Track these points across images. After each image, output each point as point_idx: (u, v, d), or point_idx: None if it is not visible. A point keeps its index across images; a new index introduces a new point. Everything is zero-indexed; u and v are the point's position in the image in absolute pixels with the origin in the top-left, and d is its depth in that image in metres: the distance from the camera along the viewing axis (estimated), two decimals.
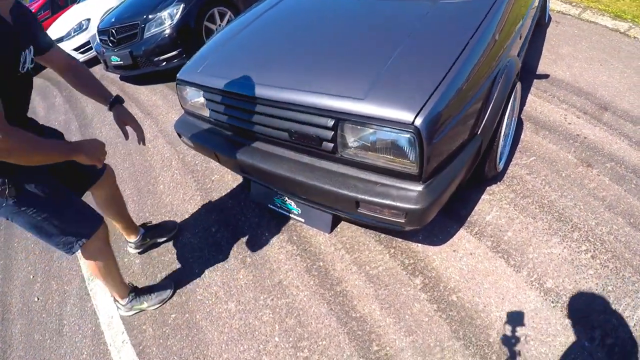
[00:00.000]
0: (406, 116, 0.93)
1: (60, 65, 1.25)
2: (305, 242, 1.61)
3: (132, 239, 1.65)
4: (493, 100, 1.27)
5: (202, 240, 1.72)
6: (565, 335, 1.18)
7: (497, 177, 1.77)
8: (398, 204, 1.04)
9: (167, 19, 2.85)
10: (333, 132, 1.08)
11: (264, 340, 1.27)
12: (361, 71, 1.12)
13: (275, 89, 1.19)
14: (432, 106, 0.94)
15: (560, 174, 1.78)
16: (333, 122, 1.06)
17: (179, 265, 1.61)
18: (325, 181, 1.16)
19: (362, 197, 1.09)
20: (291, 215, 1.63)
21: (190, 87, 1.50)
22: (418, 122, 0.91)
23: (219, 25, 3.20)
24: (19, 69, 1.01)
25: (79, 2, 5.06)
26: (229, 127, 1.42)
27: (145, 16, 2.97)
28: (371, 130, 1.03)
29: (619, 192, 1.64)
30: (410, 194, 1.05)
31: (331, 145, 1.12)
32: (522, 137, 1.98)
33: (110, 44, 3.18)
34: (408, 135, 0.96)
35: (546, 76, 2.47)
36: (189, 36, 2.97)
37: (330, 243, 1.58)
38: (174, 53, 2.96)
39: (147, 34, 2.94)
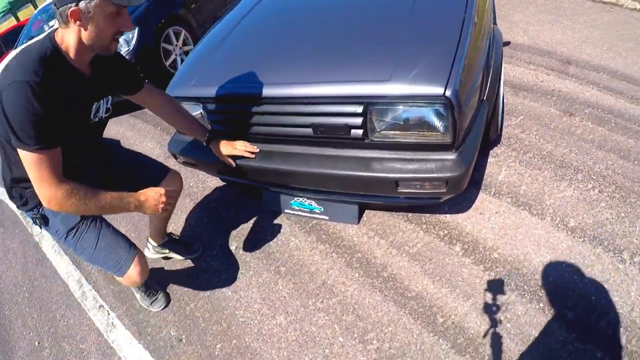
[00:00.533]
0: (437, 89, 1.04)
1: (153, 104, 1.35)
2: (336, 238, 1.68)
3: (154, 242, 1.67)
4: (492, 67, 1.45)
5: (225, 261, 1.72)
6: (601, 263, 1.36)
7: (497, 140, 1.97)
8: (439, 175, 1.15)
9: (123, 46, 2.77)
10: (362, 118, 1.17)
11: (328, 344, 1.31)
12: (376, 54, 1.23)
13: (293, 85, 1.25)
14: (455, 77, 1.07)
15: (549, 126, 2.02)
16: (362, 108, 1.15)
17: (207, 293, 1.59)
18: (360, 168, 1.24)
19: (402, 175, 1.18)
20: (313, 215, 1.69)
21: (184, 102, 1.51)
22: (448, 93, 1.04)
23: (176, 45, 3.22)
24: (90, 117, 1.10)
25: (16, 46, 4.65)
26: (240, 134, 1.45)
27: None
28: (401, 109, 1.14)
29: (604, 132, 1.91)
30: (447, 164, 1.17)
31: (361, 131, 1.20)
32: (504, 100, 2.22)
33: None
34: (440, 107, 1.08)
35: (508, 43, 2.79)
36: (148, 61, 2.96)
37: (361, 233, 1.67)
38: None
39: None
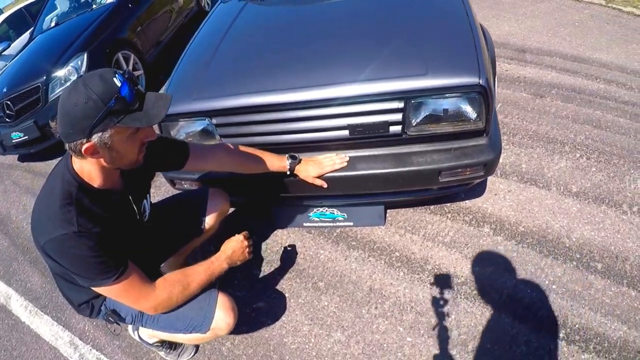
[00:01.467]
0: (473, 79, 1.27)
1: (211, 163, 1.39)
2: (367, 242, 1.82)
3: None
4: (489, 53, 1.76)
5: (251, 288, 1.74)
6: (609, 218, 1.71)
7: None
8: (478, 160, 1.37)
9: (72, 74, 2.74)
10: (402, 114, 1.35)
11: (398, 347, 1.42)
12: (401, 49, 1.42)
13: (327, 87, 1.34)
14: (482, 67, 1.31)
15: (526, 109, 2.44)
16: (403, 103, 1.33)
17: (242, 327, 1.59)
18: (402, 164, 1.40)
19: (445, 165, 1.38)
20: (337, 224, 1.82)
21: (185, 119, 1.53)
22: (482, 81, 1.27)
23: (125, 69, 3.17)
24: (140, 219, 1.17)
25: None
26: (259, 145, 1.51)
27: (45, 76, 2.92)
28: (437, 101, 1.34)
29: (574, 108, 2.37)
30: (483, 148, 1.39)
31: (399, 127, 1.38)
32: None
33: (7, 119, 3.01)
34: (476, 95, 1.30)
35: None
36: None
37: (391, 233, 1.83)
38: None
39: (52, 96, 2.87)
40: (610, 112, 2.31)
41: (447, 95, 1.32)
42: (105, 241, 0.95)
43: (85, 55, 2.90)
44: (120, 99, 0.87)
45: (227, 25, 1.87)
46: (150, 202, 1.30)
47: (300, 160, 1.45)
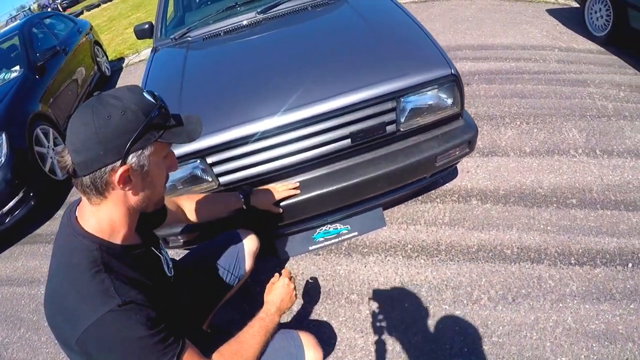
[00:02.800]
0: (446, 70, 1.75)
1: (186, 213, 1.46)
2: (378, 244, 2.15)
3: None
4: None
5: (288, 325, 1.90)
6: (564, 163, 2.37)
7: None
8: (463, 139, 1.84)
9: None
10: (394, 112, 1.76)
11: (452, 321, 1.75)
12: (378, 58, 1.84)
13: (324, 101, 1.65)
14: (449, 58, 1.82)
15: (487, 98, 3.12)
16: (394, 102, 1.74)
17: None
18: (403, 159, 1.79)
19: (439, 150, 1.81)
20: (342, 237, 2.13)
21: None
22: (454, 71, 1.77)
23: (48, 146, 3.61)
24: (166, 275, 1.16)
25: None
26: (262, 175, 1.77)
27: None
28: (421, 95, 1.80)
29: (498, 87, 3.18)
30: (463, 128, 1.88)
31: (394, 125, 1.78)
32: None
33: None
34: (450, 84, 1.79)
35: None
36: (26, 170, 3.18)
37: (395, 230, 2.20)
38: (17, 199, 3.08)
39: None
40: (528, 83, 3.14)
41: (428, 88, 1.78)
42: (152, 311, 0.87)
43: (4, 135, 3.07)
44: (162, 110, 0.87)
45: (179, 71, 2.11)
46: (171, 261, 1.27)
47: (252, 191, 1.64)
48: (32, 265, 2.91)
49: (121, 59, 7.32)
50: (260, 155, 1.73)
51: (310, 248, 2.10)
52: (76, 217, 0.92)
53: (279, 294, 1.24)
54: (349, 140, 1.72)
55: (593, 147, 2.49)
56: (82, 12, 18.07)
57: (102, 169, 0.83)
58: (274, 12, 2.42)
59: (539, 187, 2.28)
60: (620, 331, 1.57)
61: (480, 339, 1.63)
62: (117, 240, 0.93)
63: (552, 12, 4.25)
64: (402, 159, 1.79)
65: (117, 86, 5.58)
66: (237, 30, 2.39)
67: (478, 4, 4.49)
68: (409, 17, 2.12)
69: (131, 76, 5.82)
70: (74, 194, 3.46)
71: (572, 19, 4.04)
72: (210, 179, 1.76)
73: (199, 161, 1.73)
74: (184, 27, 2.55)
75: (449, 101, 1.81)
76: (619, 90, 2.96)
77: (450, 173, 2.45)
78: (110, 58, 6.90)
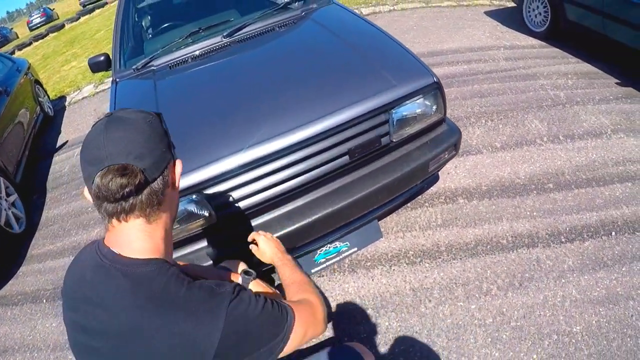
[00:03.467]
0: (430, 79, 2.03)
1: None
2: (380, 256, 2.37)
3: None
4: None
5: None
6: (534, 152, 2.74)
7: None
8: (449, 142, 2.13)
9: None
10: (387, 124, 2.01)
11: (470, 317, 1.98)
12: (362, 73, 2.07)
13: (320, 120, 1.82)
14: (429, 67, 2.12)
15: (449, 101, 3.46)
16: (387, 114, 1.98)
17: None
18: (400, 169, 2.03)
19: (431, 155, 2.08)
20: (343, 255, 2.33)
21: None
22: (436, 79, 2.05)
23: (1, 197, 3.49)
24: None
25: None
26: (263, 203, 1.93)
27: None
28: (409, 105, 2.06)
29: (457, 89, 3.57)
30: (448, 132, 2.18)
31: (387, 137, 2.02)
32: None
33: None
34: (434, 92, 2.08)
35: None
36: None
37: (393, 239, 2.44)
38: None
39: None
40: (483, 82, 3.57)
41: (415, 98, 2.04)
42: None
43: None
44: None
45: (151, 102, 2.19)
46: None
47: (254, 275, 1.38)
48: (1, 332, 2.80)
49: (62, 98, 7.13)
50: (259, 183, 1.84)
51: (313, 270, 2.26)
52: (118, 254, 0.86)
53: (271, 247, 1.36)
54: (347, 157, 1.90)
55: (556, 133, 2.91)
56: (13, 52, 17.30)
57: (168, 167, 0.88)
58: (240, 35, 2.58)
59: (516, 178, 2.63)
60: (620, 292, 1.89)
61: (500, 326, 1.87)
62: (169, 259, 0.92)
63: (489, 13, 4.83)
64: (398, 168, 2.01)
65: (62, 127, 5.61)
66: (207, 56, 2.51)
67: (418, 13, 5.00)
68: (377, 29, 2.43)
69: (76, 115, 5.73)
70: (35, 247, 3.36)
71: (510, 18, 4.64)
72: (207, 214, 1.86)
73: (194, 196, 1.83)
74: (145, 57, 2.64)
75: (434, 108, 2.08)
76: (566, 79, 3.46)
77: (433, 177, 2.75)
78: (51, 97, 6.77)
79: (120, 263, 0.84)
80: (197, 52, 2.55)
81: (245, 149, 1.82)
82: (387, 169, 2.02)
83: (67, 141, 4.78)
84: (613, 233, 2.17)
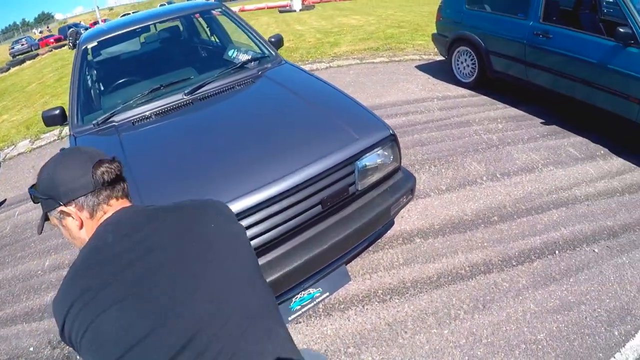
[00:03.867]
0: (387, 131, 2.39)
1: None
2: (351, 298, 2.58)
3: None
4: None
5: None
6: (477, 191, 3.17)
7: None
8: (407, 188, 2.48)
9: None
10: (353, 174, 2.31)
11: (443, 346, 2.23)
12: (325, 128, 2.39)
13: (295, 173, 2.06)
14: (383, 120, 2.49)
15: (404, 150, 3.88)
16: (353, 166, 2.29)
17: None
18: (367, 215, 2.31)
19: (392, 200, 2.40)
20: (316, 301, 2.53)
21: None
22: (392, 131, 2.42)
23: None
24: None
25: None
26: None
27: None
28: (370, 156, 2.38)
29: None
30: (404, 179, 2.53)
31: (354, 186, 2.31)
32: None
33: None
34: (391, 143, 2.43)
35: None
36: None
37: (361, 281, 2.68)
38: None
39: None
40: (422, 132, 4.06)
41: (376, 149, 2.38)
42: None
43: None
44: None
45: (119, 157, 2.36)
46: None
47: None
48: None
49: None
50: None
51: (290, 318, 2.42)
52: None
53: None
54: (319, 207, 2.16)
55: (493, 172, 3.39)
56: None
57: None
58: (201, 92, 2.84)
59: (464, 215, 3.01)
60: (572, 300, 2.24)
61: (473, 344, 2.13)
62: None
63: (420, 67, 5.51)
64: (365, 214, 2.29)
65: None
66: (170, 112, 2.71)
67: (354, 69, 5.59)
68: (330, 85, 2.80)
69: (12, 172, 5.45)
70: None
71: (440, 71, 5.33)
72: None
73: None
74: (104, 112, 2.78)
75: (391, 157, 2.42)
76: (497, 123, 4.05)
77: (390, 222, 3.07)
78: None
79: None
80: (159, 109, 2.72)
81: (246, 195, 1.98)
82: (354, 215, 2.28)
83: (5, 200, 4.62)
84: (556, 251, 2.57)
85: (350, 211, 2.30)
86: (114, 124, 2.68)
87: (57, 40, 33.65)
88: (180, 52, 4.27)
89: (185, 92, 2.84)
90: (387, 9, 15.89)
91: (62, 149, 1.19)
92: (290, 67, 3.24)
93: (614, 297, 2.26)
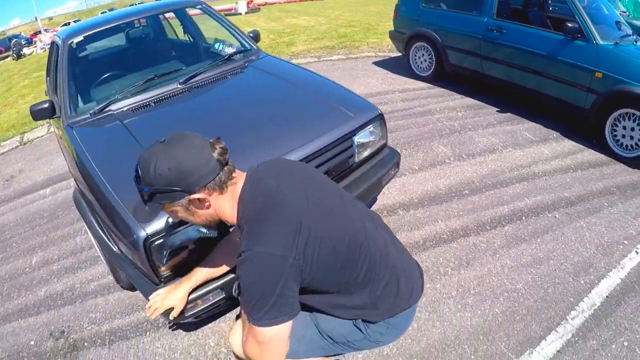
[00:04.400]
0: (376, 111, 2.57)
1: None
2: None
3: None
4: None
5: None
6: (448, 169, 3.47)
7: None
8: (394, 161, 2.69)
9: None
10: (351, 148, 2.49)
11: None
12: (322, 109, 2.55)
13: (302, 147, 2.17)
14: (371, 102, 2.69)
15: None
16: (351, 140, 2.46)
17: None
18: (363, 184, 2.47)
19: (382, 172, 2.60)
20: None
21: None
22: (379, 110, 2.61)
23: None
24: None
25: None
26: None
27: None
28: (363, 133, 2.57)
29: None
30: (391, 154, 2.73)
31: (353, 158, 2.49)
32: None
33: None
34: (381, 121, 2.62)
35: None
36: None
37: None
38: None
39: None
40: (389, 121, 4.32)
41: (368, 127, 2.58)
42: None
43: None
44: None
45: (130, 141, 2.34)
46: None
47: None
48: None
49: None
50: None
51: None
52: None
53: (169, 298, 1.71)
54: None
55: (459, 154, 3.70)
56: None
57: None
58: (195, 81, 2.92)
59: (438, 190, 3.29)
60: (541, 256, 2.55)
61: (464, 295, 2.37)
62: None
63: (377, 63, 5.79)
64: (361, 184, 2.49)
65: None
66: (168, 100, 2.77)
67: (313, 67, 5.79)
68: (314, 73, 2.98)
69: None
70: None
71: (397, 66, 5.64)
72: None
73: None
74: (97, 103, 2.80)
75: (380, 134, 2.64)
76: (456, 112, 4.39)
77: (373, 197, 3.29)
78: None
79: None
80: (156, 98, 2.78)
81: None
82: (353, 185, 2.48)
83: None
84: (523, 217, 2.89)
85: (349, 181, 2.48)
86: (111, 112, 2.71)
87: None
88: (163, 47, 4.32)
89: (180, 81, 2.90)
90: (334, 10, 16.29)
91: (161, 141, 1.23)
92: (273, 59, 3.38)
93: (577, 253, 2.59)
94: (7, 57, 25.63)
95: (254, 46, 3.50)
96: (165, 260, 1.94)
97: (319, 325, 1.48)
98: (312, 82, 2.92)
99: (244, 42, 3.53)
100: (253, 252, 1.14)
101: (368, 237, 1.33)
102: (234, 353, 1.58)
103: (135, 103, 2.76)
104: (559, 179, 3.31)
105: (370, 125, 2.52)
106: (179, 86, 2.88)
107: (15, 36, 35.24)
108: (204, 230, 1.70)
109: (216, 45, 3.69)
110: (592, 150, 3.68)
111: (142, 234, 1.85)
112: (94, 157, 2.34)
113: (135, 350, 2.32)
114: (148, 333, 2.41)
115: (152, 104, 2.76)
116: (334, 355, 1.62)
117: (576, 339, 2.06)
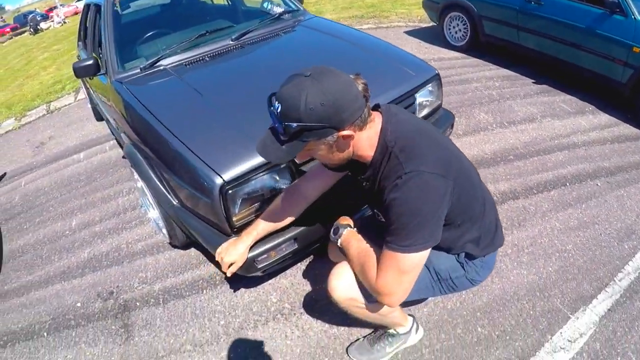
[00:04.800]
0: (434, 71, 2.58)
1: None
2: None
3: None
4: None
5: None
6: (508, 134, 3.59)
7: None
8: (449, 121, 2.80)
9: None
10: (414, 104, 2.58)
11: None
12: (384, 67, 2.59)
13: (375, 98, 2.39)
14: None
15: None
16: (413, 97, 2.57)
17: None
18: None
19: (446, 125, 2.76)
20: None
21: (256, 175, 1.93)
22: (437, 70, 2.70)
23: None
24: None
25: None
26: None
27: None
28: (423, 91, 2.61)
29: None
30: (446, 115, 2.85)
31: (415, 113, 2.63)
32: None
33: None
34: (438, 81, 2.67)
35: None
36: None
37: None
38: None
39: None
40: None
41: (426, 85, 2.70)
42: None
43: None
44: None
45: (189, 91, 2.43)
46: None
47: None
48: None
49: None
50: None
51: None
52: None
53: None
54: None
55: (501, 121, 3.82)
56: None
57: None
58: (248, 38, 2.97)
59: (484, 154, 3.43)
60: (587, 221, 2.72)
61: (519, 253, 2.54)
62: None
63: (409, 33, 5.83)
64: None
65: None
66: (222, 55, 2.82)
67: None
68: (366, 34, 3.08)
69: (6, 148, 5.33)
70: (6, 282, 2.96)
71: (430, 35, 5.67)
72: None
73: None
74: (146, 59, 2.83)
75: (437, 94, 2.77)
76: (493, 81, 4.49)
77: None
78: None
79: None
80: (209, 53, 2.83)
81: None
82: None
83: (5, 173, 4.48)
84: (567, 184, 3.05)
85: None
86: (162, 67, 2.75)
87: (13, 29, 33.31)
88: (207, 6, 4.37)
89: (232, 37, 2.96)
90: None
91: (306, 74, 1.15)
92: (322, 19, 3.46)
93: (619, 220, 2.74)
94: (23, 32, 26.20)
95: (301, 7, 3.57)
96: (238, 209, 1.96)
97: (430, 259, 1.40)
98: (368, 41, 3.02)
99: (290, 2, 3.61)
100: (419, 172, 1.15)
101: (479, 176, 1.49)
102: (332, 297, 1.57)
103: (187, 58, 2.80)
104: (598, 150, 3.44)
105: (430, 85, 2.63)
106: (231, 42, 2.93)
107: (31, 12, 36.26)
108: (278, 178, 1.79)
109: (264, 5, 3.76)
110: (628, 125, 3.79)
111: (219, 181, 1.85)
112: (153, 108, 2.36)
113: (192, 308, 2.40)
114: (205, 291, 2.50)
115: (207, 58, 2.80)
116: (434, 297, 1.79)
117: (624, 299, 2.22)
